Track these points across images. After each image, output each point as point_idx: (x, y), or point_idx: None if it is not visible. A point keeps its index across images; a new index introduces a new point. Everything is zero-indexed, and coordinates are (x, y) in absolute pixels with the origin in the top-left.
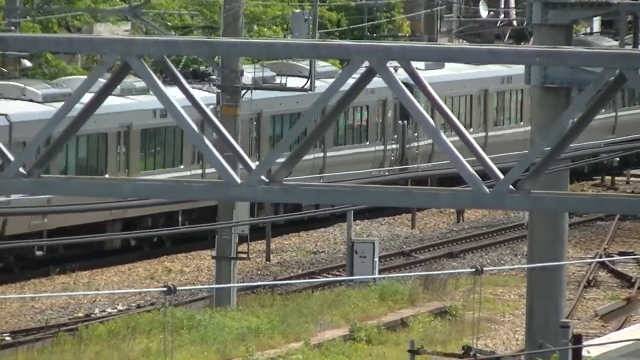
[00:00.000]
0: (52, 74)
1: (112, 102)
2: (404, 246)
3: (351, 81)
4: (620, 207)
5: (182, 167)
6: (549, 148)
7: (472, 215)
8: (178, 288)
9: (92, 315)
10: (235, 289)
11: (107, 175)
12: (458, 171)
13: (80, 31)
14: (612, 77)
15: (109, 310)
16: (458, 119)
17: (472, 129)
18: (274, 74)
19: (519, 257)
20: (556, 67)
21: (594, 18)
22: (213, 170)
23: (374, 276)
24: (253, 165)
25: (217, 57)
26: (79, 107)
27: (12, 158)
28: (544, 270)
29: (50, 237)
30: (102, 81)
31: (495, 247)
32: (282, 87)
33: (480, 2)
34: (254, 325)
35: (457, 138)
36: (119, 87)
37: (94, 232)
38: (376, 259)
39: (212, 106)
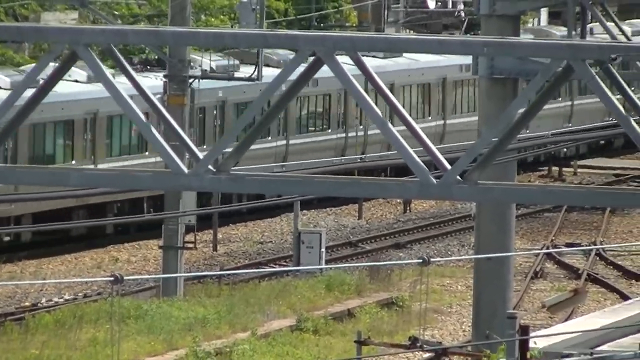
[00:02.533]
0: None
1: (79, 89)
2: (351, 236)
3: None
4: (568, 199)
5: (147, 153)
6: (497, 139)
7: (419, 206)
8: (125, 277)
9: (39, 304)
10: (182, 279)
11: (73, 162)
12: (405, 161)
13: (27, 20)
14: (560, 68)
15: (56, 299)
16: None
17: (430, 117)
18: (237, 62)
19: (466, 248)
20: (504, 58)
21: (542, 9)
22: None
23: (320, 266)
24: (200, 155)
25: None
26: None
27: None
28: (491, 261)
29: (17, 224)
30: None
31: (442, 238)
32: (230, 77)
33: None
34: (200, 315)
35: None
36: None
37: (60, 219)
38: (323, 250)
39: (158, 95)
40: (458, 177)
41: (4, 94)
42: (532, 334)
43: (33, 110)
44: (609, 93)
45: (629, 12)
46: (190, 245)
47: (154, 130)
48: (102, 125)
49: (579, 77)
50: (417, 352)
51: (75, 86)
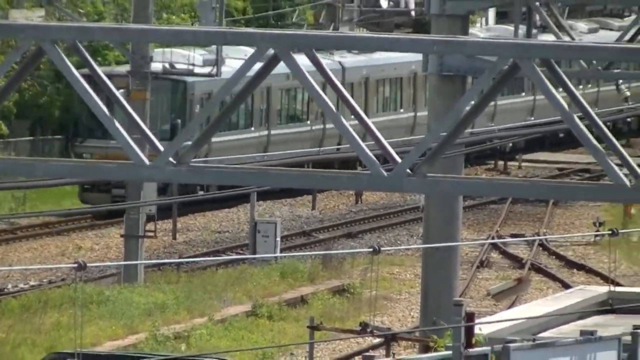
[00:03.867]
0: None
1: None
2: (305, 226)
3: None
4: (512, 191)
5: (308, 122)
6: (445, 134)
7: (371, 198)
8: (88, 264)
9: (5, 290)
10: (143, 266)
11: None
12: (357, 154)
13: None
14: (506, 66)
15: (22, 285)
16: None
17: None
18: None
19: (414, 238)
20: (453, 56)
21: (490, 9)
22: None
23: (275, 255)
24: (161, 147)
25: (128, 43)
26: None
27: None
28: (439, 251)
29: None
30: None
31: (392, 228)
32: (189, 72)
33: None
34: (160, 301)
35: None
36: None
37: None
38: (278, 239)
39: (121, 90)
40: (408, 170)
41: None
42: (477, 321)
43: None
44: (553, 90)
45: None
46: (151, 234)
47: (116, 123)
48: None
49: (525, 75)
50: (367, 338)
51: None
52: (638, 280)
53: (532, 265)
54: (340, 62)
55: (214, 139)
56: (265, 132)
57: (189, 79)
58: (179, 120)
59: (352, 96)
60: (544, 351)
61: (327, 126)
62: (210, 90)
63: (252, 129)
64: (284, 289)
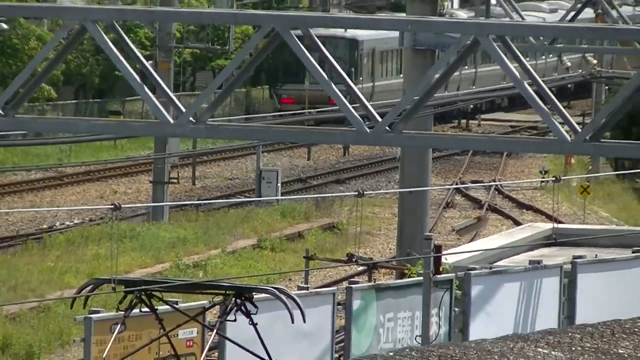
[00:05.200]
0: (24, 34)
1: None
2: (301, 174)
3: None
4: (473, 145)
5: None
6: (418, 97)
7: (356, 150)
8: (122, 206)
9: (53, 227)
10: (168, 207)
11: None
12: (345, 115)
13: (46, 0)
14: (469, 41)
15: (67, 223)
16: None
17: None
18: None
19: (392, 183)
20: (424, 33)
21: None
22: None
23: (277, 198)
24: (183, 108)
25: (155, 23)
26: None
27: None
28: (412, 195)
29: None
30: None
31: (373, 176)
32: (206, 47)
33: None
34: (182, 236)
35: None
36: None
37: None
38: (279, 184)
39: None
40: (387, 127)
41: None
42: (444, 252)
43: (50, 74)
44: (507, 61)
45: None
46: (174, 181)
47: (146, 89)
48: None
49: (484, 49)
50: (352, 266)
51: None
52: (577, 218)
53: (489, 206)
54: (355, 37)
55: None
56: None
57: (359, 37)
58: (353, 69)
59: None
60: (498, 277)
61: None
62: (374, 47)
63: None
64: (284, 226)
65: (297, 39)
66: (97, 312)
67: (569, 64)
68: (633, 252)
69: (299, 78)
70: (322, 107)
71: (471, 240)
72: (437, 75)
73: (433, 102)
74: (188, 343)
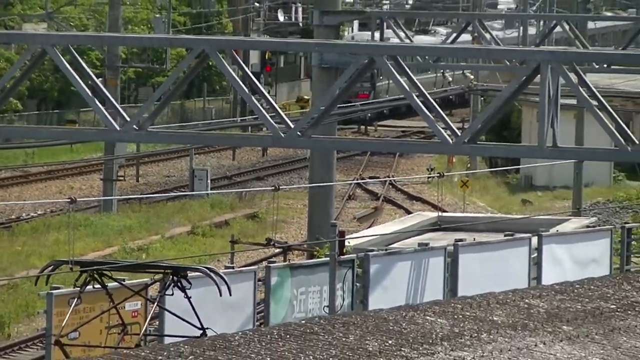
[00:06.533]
0: None
1: None
2: (227, 172)
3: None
4: (370, 147)
5: None
6: (324, 107)
7: (273, 152)
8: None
9: (20, 217)
10: (116, 201)
11: None
12: (262, 121)
13: (13, 28)
14: (366, 61)
15: (32, 214)
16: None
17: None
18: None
19: (303, 179)
20: (329, 54)
21: (355, 21)
22: None
23: (207, 192)
24: (127, 117)
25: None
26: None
27: None
28: (320, 189)
29: None
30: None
31: (288, 173)
32: (146, 67)
33: (279, 10)
34: (128, 225)
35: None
36: None
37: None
38: (209, 181)
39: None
40: (298, 132)
41: None
42: (346, 237)
43: (17, 89)
44: (399, 77)
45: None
46: (121, 178)
47: (97, 102)
48: None
49: (379, 67)
50: (270, 249)
51: None
52: (458, 207)
53: (384, 198)
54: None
55: None
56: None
57: None
58: None
59: None
60: (392, 257)
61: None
62: None
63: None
64: (213, 215)
65: (222, 59)
66: (57, 288)
67: (450, 78)
68: (505, 236)
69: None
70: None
71: (369, 227)
72: (339, 90)
73: (336, 112)
74: (133, 314)
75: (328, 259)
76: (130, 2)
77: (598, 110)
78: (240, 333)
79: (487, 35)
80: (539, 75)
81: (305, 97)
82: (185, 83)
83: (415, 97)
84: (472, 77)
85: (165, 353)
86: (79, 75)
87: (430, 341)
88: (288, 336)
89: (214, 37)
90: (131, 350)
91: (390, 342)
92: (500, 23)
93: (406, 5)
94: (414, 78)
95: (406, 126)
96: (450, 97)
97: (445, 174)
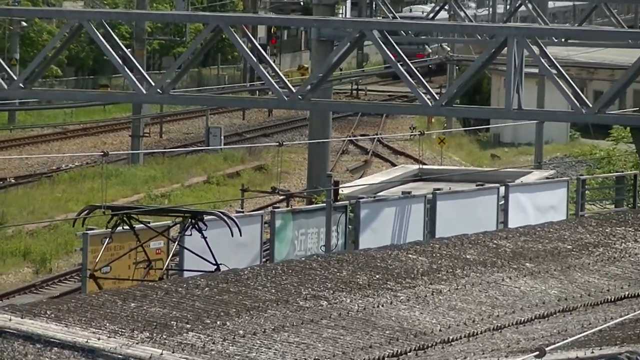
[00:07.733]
0: (39, 30)
1: None
2: (238, 130)
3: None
4: (362, 108)
5: None
6: (321, 74)
7: (277, 113)
8: (110, 153)
9: (60, 168)
10: (142, 154)
11: None
12: (268, 87)
13: (54, 6)
14: (357, 34)
15: (70, 165)
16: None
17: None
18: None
19: (303, 136)
20: (326, 29)
21: (347, 0)
22: None
23: (221, 147)
24: (152, 82)
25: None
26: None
27: (14, 75)
28: (318, 144)
29: None
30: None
31: (291, 131)
32: (169, 39)
33: None
34: (152, 175)
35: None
36: None
37: None
38: (222, 137)
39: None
40: (299, 96)
41: None
42: (340, 186)
43: (57, 58)
44: (385, 49)
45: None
46: (147, 135)
47: (126, 70)
48: None
49: (369, 40)
50: (275, 196)
51: None
52: (436, 161)
53: (373, 152)
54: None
55: None
56: None
57: None
58: None
59: None
60: (380, 204)
61: None
62: None
63: None
64: (226, 167)
65: (234, 33)
66: (92, 229)
67: (429, 50)
68: (477, 186)
69: None
70: None
71: (360, 177)
72: (334, 59)
73: (332, 78)
74: (157, 251)
75: (324, 205)
76: None
77: (557, 78)
78: (249, 268)
79: (462, 13)
80: (506, 48)
81: (305, 65)
82: (202, 53)
83: (399, 65)
84: (448, 49)
85: (184, 285)
86: (110, 46)
87: (412, 276)
88: (290, 271)
89: (227, 14)
90: (155, 283)
91: (377, 276)
92: (474, 2)
93: None
94: (399, 49)
95: (392, 91)
96: (430, 66)
97: (425, 132)
